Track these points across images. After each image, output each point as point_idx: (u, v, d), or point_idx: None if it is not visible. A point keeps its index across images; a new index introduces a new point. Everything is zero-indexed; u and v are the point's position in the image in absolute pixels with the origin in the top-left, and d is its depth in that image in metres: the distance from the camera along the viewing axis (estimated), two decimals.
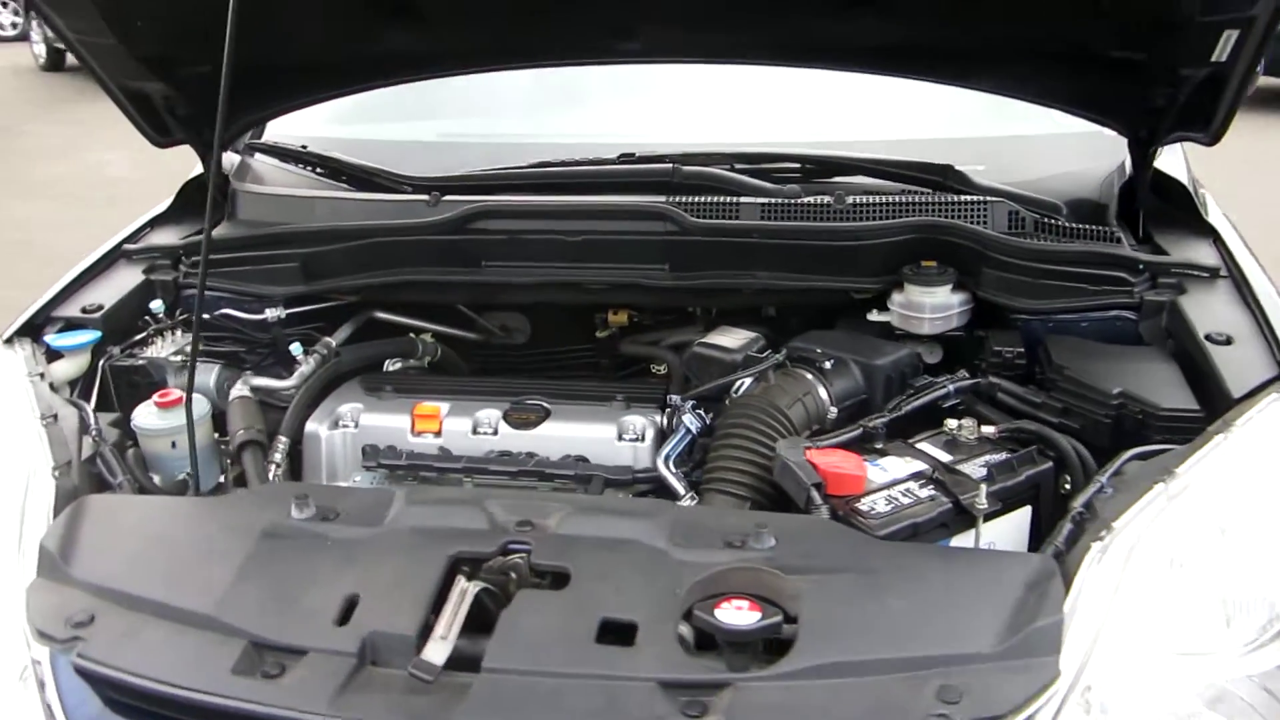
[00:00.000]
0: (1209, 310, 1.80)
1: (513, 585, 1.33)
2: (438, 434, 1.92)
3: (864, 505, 1.50)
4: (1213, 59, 1.74)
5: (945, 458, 1.63)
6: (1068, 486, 1.60)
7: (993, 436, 1.68)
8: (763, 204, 2.03)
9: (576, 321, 2.36)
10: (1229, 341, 1.69)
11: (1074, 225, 2.00)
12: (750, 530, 1.36)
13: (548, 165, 2.20)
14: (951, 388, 1.79)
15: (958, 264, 1.96)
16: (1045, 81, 1.99)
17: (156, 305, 2.12)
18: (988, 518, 1.51)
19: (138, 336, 2.08)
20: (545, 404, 1.95)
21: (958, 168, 2.09)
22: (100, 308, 2.05)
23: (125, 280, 2.17)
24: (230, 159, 2.42)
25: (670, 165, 2.12)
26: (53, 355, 1.93)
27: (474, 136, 2.56)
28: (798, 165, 2.16)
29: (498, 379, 2.13)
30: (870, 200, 2.02)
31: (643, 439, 1.86)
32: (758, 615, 1.22)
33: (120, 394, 1.99)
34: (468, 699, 1.16)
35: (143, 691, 1.21)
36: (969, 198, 2.02)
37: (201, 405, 1.83)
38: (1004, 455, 1.61)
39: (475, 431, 1.92)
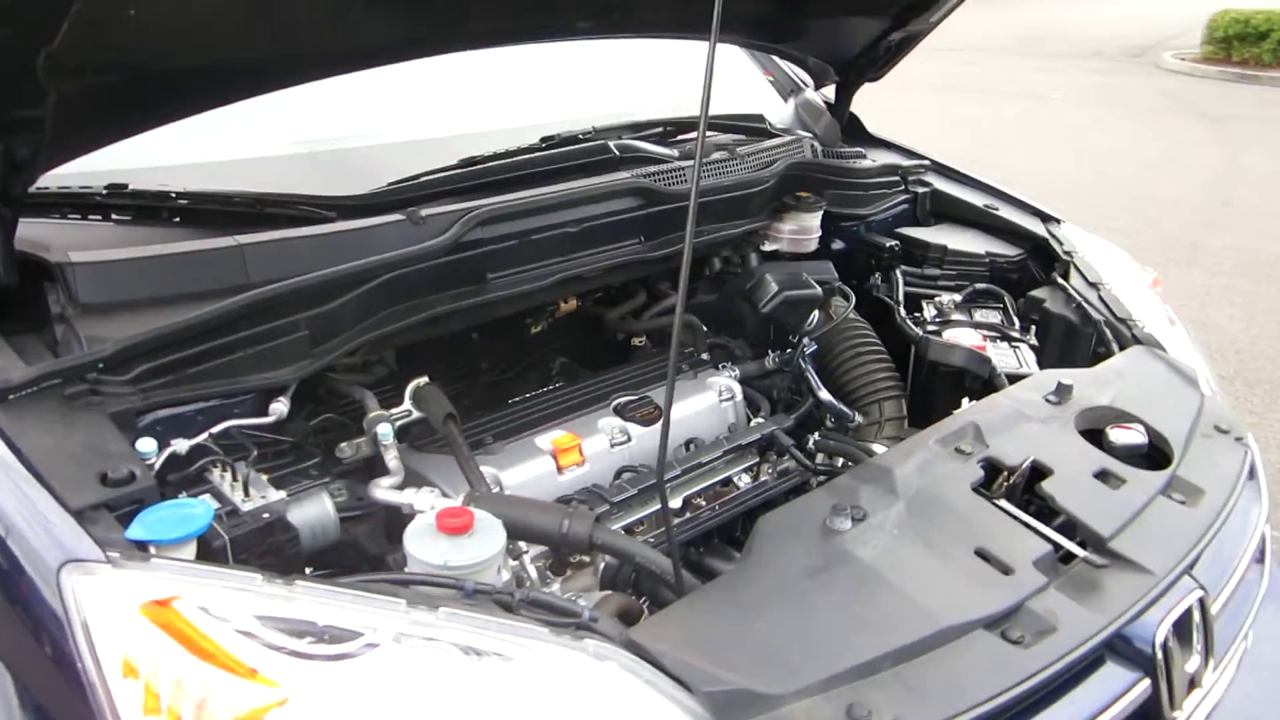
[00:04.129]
0: (957, 192, 2.65)
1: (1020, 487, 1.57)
2: (581, 463, 1.79)
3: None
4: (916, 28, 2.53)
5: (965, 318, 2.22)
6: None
7: (960, 301, 2.31)
8: (703, 165, 2.23)
9: (501, 326, 2.19)
10: (997, 208, 2.58)
11: (840, 150, 2.65)
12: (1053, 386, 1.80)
13: (480, 161, 2.00)
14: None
15: (811, 190, 2.46)
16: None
17: (147, 447, 1.40)
18: None
19: (201, 491, 1.39)
20: (635, 396, 1.94)
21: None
22: (132, 477, 1.29)
23: (56, 433, 1.36)
24: None
25: (604, 142, 2.14)
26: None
27: (332, 142, 2.04)
28: (661, 129, 2.36)
29: (530, 400, 1.95)
30: (750, 151, 2.38)
31: (735, 396, 2.02)
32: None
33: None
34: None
35: None
36: (789, 139, 2.51)
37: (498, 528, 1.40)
38: (994, 309, 2.27)
39: (613, 445, 1.83)
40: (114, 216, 1.68)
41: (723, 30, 2.06)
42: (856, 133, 2.86)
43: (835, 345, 2.13)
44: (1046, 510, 1.54)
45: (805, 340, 2.09)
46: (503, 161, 2.01)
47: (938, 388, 2.11)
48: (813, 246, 2.43)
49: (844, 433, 2.02)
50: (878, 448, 1.97)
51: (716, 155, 2.29)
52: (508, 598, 1.22)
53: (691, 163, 2.20)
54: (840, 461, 1.88)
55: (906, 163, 2.69)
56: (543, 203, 1.93)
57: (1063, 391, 1.77)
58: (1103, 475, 1.60)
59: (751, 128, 2.51)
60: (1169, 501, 1.58)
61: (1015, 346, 2.10)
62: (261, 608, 1.12)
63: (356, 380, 1.80)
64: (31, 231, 1.53)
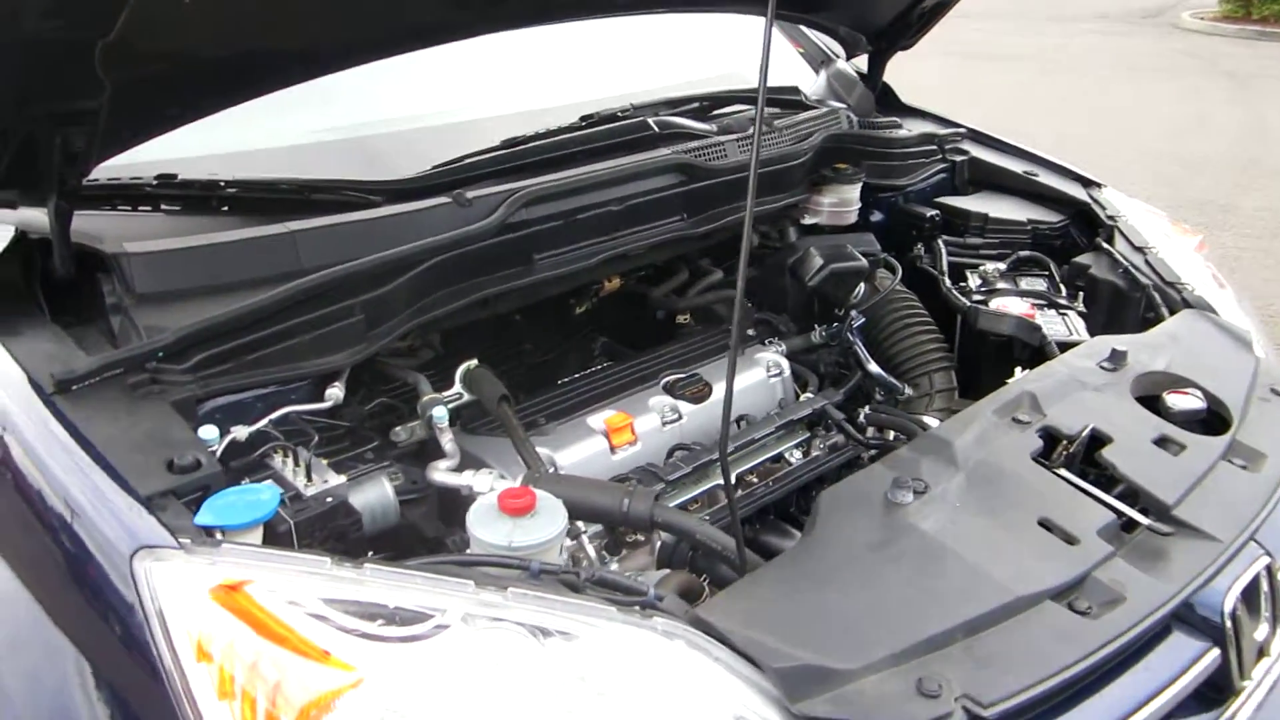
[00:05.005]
0: (993, 158, 2.62)
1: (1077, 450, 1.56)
2: (634, 442, 1.78)
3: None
4: None
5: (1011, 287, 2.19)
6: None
7: (1005, 270, 2.28)
8: (736, 140, 2.21)
9: (544, 307, 2.18)
10: (1037, 174, 2.54)
11: (875, 121, 2.61)
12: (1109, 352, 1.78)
13: (521, 141, 1.98)
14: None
15: (849, 162, 2.44)
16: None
17: (210, 434, 1.41)
18: None
19: (263, 477, 1.40)
20: (685, 374, 1.93)
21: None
22: (197, 464, 1.29)
23: (121, 422, 1.36)
24: (28, 216, 1.59)
25: (643, 119, 2.12)
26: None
27: (386, 126, 2.03)
28: (698, 104, 2.34)
29: (579, 380, 1.95)
30: (788, 124, 2.35)
31: (783, 371, 2.01)
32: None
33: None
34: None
35: None
36: (826, 110, 2.48)
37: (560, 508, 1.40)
38: (1039, 277, 2.24)
39: (664, 424, 1.83)
40: (164, 207, 1.68)
41: (755, 0, 2.05)
42: (890, 102, 2.83)
43: (883, 317, 2.11)
44: (1107, 479, 1.52)
45: (853, 313, 2.06)
46: (544, 141, 1.99)
47: (987, 357, 2.09)
48: (853, 219, 2.41)
49: (894, 405, 2.01)
50: (929, 420, 1.96)
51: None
52: (573, 577, 1.22)
53: (732, 136, 2.18)
54: (891, 435, 1.86)
55: (942, 131, 2.65)
56: (586, 181, 1.92)
57: (1117, 358, 1.75)
58: (1162, 441, 1.58)
59: (788, 100, 2.48)
60: (1231, 467, 1.56)
61: (1064, 314, 2.07)
62: (332, 591, 1.12)
63: (406, 364, 1.81)
64: (83, 224, 1.54)
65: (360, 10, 1.62)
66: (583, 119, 2.10)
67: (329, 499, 1.36)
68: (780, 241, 2.39)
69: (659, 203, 2.03)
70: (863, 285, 2.14)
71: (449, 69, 2.11)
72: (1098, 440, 1.57)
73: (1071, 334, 1.99)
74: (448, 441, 1.64)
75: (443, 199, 1.78)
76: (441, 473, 1.57)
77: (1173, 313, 2.03)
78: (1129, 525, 1.44)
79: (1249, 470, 1.56)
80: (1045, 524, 1.38)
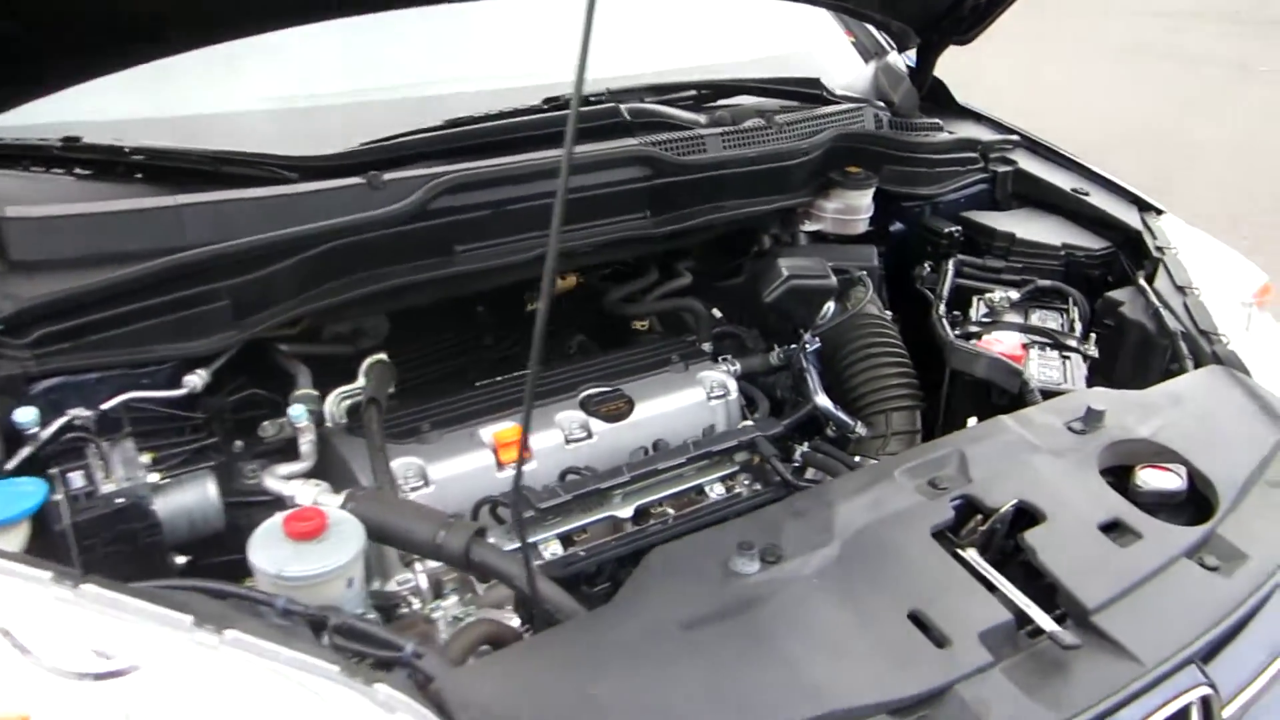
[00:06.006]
0: (1043, 171, 2.31)
1: (1001, 535, 1.31)
2: (528, 459, 1.61)
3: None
4: None
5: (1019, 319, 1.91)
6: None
7: (1017, 300, 1.99)
8: (720, 134, 1.99)
9: (493, 302, 2.04)
10: (1088, 193, 2.22)
11: (912, 121, 2.34)
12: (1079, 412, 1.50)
13: (468, 122, 1.84)
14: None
15: (863, 166, 2.18)
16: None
17: (26, 416, 1.33)
18: None
19: (56, 469, 1.31)
20: (609, 388, 1.75)
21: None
22: None
23: None
24: None
25: (614, 105, 1.94)
26: None
27: (316, 98, 1.94)
28: (694, 92, 2.13)
29: (493, 384, 1.79)
30: (792, 119, 2.11)
31: (727, 393, 1.80)
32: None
33: (93, 557, 1.26)
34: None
35: None
36: (848, 106, 2.23)
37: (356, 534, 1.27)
38: (1057, 310, 1.94)
39: (569, 441, 1.65)
40: (76, 171, 1.62)
41: None
42: (942, 101, 2.54)
43: (846, 343, 1.86)
44: (1030, 569, 1.27)
45: (806, 335, 1.82)
46: (493, 124, 1.84)
47: (962, 400, 1.82)
48: (861, 228, 2.16)
49: (844, 445, 1.77)
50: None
51: (750, 123, 2.05)
52: (321, 622, 1.08)
53: (716, 130, 1.97)
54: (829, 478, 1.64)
55: (991, 137, 2.36)
56: (522, 170, 1.76)
57: (1091, 418, 1.47)
58: (1112, 528, 1.31)
59: (804, 93, 2.24)
60: (1195, 567, 1.28)
61: (1066, 357, 1.78)
62: (34, 608, 1.02)
63: (340, 350, 1.72)
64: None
65: None
66: (546, 101, 1.94)
67: (119, 499, 1.26)
68: (793, 244, 2.17)
69: (614, 198, 1.85)
70: (832, 304, 1.89)
71: (402, 37, 1.98)
72: (1028, 517, 1.31)
73: (1064, 382, 1.70)
74: (305, 443, 1.52)
75: (356, 180, 1.66)
76: (275, 478, 1.45)
77: (1198, 366, 1.72)
78: (1036, 630, 1.19)
79: (1220, 573, 1.28)
80: (917, 618, 1.15)
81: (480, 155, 1.77)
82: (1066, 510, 1.32)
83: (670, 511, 1.61)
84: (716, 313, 2.07)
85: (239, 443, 1.57)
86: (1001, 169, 2.31)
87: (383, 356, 1.73)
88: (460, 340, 2.09)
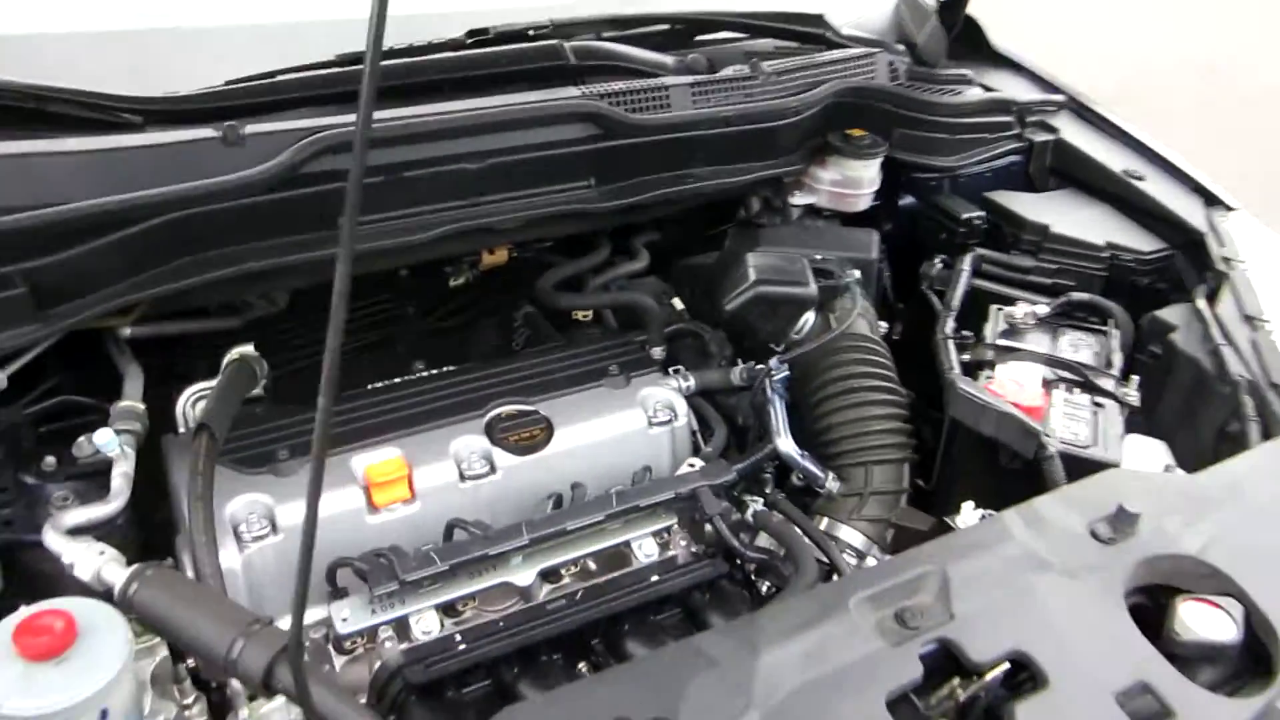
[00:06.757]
0: (1090, 144, 1.90)
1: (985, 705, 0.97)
2: (409, 500, 1.28)
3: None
4: None
5: (1043, 348, 1.54)
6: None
7: (1045, 316, 1.62)
8: (691, 85, 1.60)
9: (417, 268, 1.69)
10: (1143, 177, 1.82)
11: (935, 73, 1.92)
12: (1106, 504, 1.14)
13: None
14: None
15: (870, 128, 1.78)
16: None
17: None
18: None
19: None
20: (526, 406, 1.40)
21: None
22: None
23: None
24: None
25: (555, 43, 1.55)
26: None
27: (178, 18, 1.55)
28: (665, 27, 1.73)
29: (391, 389, 1.45)
30: (784, 68, 1.71)
31: (675, 418, 1.45)
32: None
33: None
34: None
35: None
36: (857, 52, 1.82)
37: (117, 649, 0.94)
38: (1094, 332, 1.57)
39: (465, 478, 1.32)
40: None
41: None
42: (976, 46, 2.11)
43: (822, 371, 1.47)
44: None
45: (772, 361, 1.44)
46: (397, 62, 1.45)
47: (964, 453, 1.46)
48: (862, 205, 1.79)
49: (810, 502, 1.42)
50: (848, 533, 1.38)
51: (730, 71, 1.66)
52: None
53: (684, 79, 1.58)
54: (784, 551, 1.30)
55: (1030, 96, 1.94)
56: (427, 125, 1.38)
57: (1122, 522, 1.12)
58: (1134, 695, 0.97)
59: (804, 32, 1.82)
60: None
61: (1099, 405, 1.42)
62: None
63: (221, 325, 1.46)
64: None
65: None
66: (469, 35, 1.55)
67: None
68: (782, 215, 1.79)
69: (548, 162, 1.48)
70: (811, 316, 1.51)
71: None
72: (1026, 675, 0.97)
73: (1094, 445, 1.34)
74: (117, 476, 1.19)
75: (208, 131, 1.29)
76: (57, 532, 1.12)
77: (1268, 436, 1.35)
78: None
79: None
80: None
81: (376, 103, 1.39)
82: (1077, 670, 0.98)
83: (581, 586, 1.27)
84: (677, 302, 1.71)
85: (50, 459, 1.25)
86: (1040, 138, 1.91)
87: (248, 349, 1.39)
88: (385, 305, 1.75)
